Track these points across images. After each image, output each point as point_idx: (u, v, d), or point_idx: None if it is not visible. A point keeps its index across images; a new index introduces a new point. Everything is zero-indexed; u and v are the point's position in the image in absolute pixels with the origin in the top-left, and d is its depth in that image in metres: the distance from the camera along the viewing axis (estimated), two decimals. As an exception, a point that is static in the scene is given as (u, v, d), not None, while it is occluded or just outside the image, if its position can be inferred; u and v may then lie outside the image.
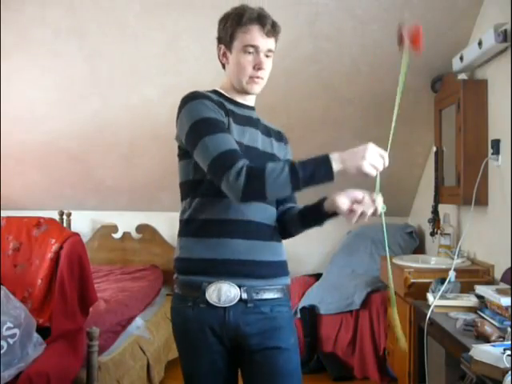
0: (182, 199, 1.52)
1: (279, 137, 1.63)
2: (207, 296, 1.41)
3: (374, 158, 1.30)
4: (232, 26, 1.48)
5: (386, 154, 1.33)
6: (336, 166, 1.29)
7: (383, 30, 2.89)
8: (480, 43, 2.54)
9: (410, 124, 3.46)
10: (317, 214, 1.50)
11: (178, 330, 1.52)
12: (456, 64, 2.84)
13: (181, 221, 1.51)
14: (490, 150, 2.61)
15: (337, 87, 3.21)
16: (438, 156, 3.10)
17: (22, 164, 3.99)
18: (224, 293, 1.41)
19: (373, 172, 1.31)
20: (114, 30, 3.00)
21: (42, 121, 3.61)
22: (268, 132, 1.59)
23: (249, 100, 1.57)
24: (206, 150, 1.35)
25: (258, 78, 1.47)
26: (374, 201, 1.37)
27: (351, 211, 1.37)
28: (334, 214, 1.44)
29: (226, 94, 1.53)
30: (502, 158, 2.54)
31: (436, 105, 3.12)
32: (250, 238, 1.45)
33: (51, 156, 3.88)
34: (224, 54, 1.53)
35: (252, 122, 1.54)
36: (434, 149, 3.14)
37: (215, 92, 1.53)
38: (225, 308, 1.42)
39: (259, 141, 1.53)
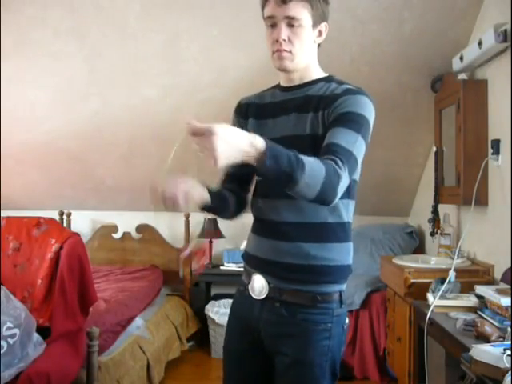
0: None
1: (324, 103, 1.34)
2: (249, 285, 1.44)
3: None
4: (260, 3, 1.37)
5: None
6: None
7: (383, 30, 2.89)
8: (480, 43, 2.54)
9: (410, 124, 3.46)
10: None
11: (231, 308, 1.57)
12: (456, 64, 2.84)
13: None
14: (490, 150, 2.61)
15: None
16: (438, 156, 3.10)
17: (22, 164, 3.99)
18: (257, 286, 1.41)
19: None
20: (114, 30, 3.00)
21: (41, 121, 3.61)
22: (306, 107, 1.37)
23: (296, 78, 1.40)
24: None
25: (279, 51, 1.33)
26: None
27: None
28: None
29: (281, 83, 1.45)
30: (502, 158, 2.54)
31: (436, 105, 3.12)
32: (272, 237, 1.41)
33: (51, 156, 3.88)
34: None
35: (286, 107, 1.40)
36: (434, 149, 3.14)
37: (271, 87, 1.50)
38: (256, 300, 1.42)
39: (284, 127, 1.38)
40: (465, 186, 2.71)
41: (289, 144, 1.20)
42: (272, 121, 1.42)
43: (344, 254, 1.42)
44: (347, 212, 1.41)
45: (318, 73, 1.44)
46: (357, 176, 1.39)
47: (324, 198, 1.19)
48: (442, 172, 3.09)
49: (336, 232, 1.38)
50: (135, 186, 4.09)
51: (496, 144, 2.56)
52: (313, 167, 1.14)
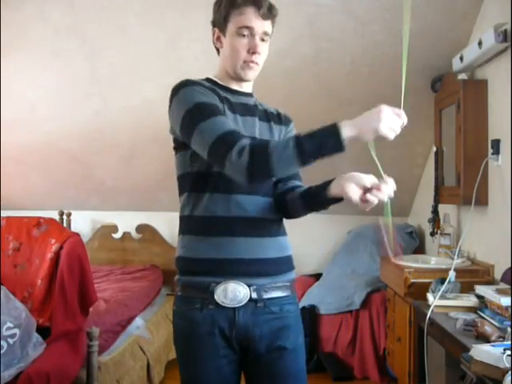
0: (180, 193, 1.45)
1: (279, 119, 1.54)
2: (216, 296, 1.35)
3: (390, 119, 1.24)
4: (226, 7, 1.38)
5: (402, 112, 1.27)
6: (348, 132, 1.19)
7: (384, 31, 2.89)
8: (480, 43, 2.54)
9: (410, 124, 3.42)
10: (321, 198, 1.39)
11: (181, 333, 1.44)
12: (456, 64, 2.84)
13: (181, 217, 1.44)
14: (490, 150, 2.61)
15: (337, 88, 3.21)
16: (438, 156, 3.10)
17: (22, 164, 3.99)
18: (233, 293, 1.35)
19: (391, 135, 1.25)
20: (114, 30, 3.00)
21: (42, 121, 3.61)
22: (267, 117, 1.50)
23: (245, 87, 1.48)
24: (202, 137, 1.27)
25: (252, 62, 1.39)
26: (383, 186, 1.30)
27: (364, 201, 1.30)
28: (340, 198, 1.35)
29: (220, 82, 1.47)
30: (502, 158, 2.54)
31: (436, 105, 3.12)
32: (253, 235, 1.39)
33: (51, 156, 3.88)
34: (218, 38, 1.44)
35: (249, 110, 1.46)
36: (434, 149, 3.14)
37: (208, 80, 1.48)
38: (234, 309, 1.36)
39: (256, 128, 1.45)
40: (465, 186, 2.71)
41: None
42: (241, 118, 1.44)
43: None
44: None
45: (251, 86, 1.54)
46: None
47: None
48: (442, 172, 3.09)
49: (284, 226, 1.52)
50: (135, 186, 4.10)
51: (496, 144, 2.56)
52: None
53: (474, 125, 2.72)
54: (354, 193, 1.29)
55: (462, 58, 2.77)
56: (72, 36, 3.03)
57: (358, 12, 2.80)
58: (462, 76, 2.92)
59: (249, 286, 1.37)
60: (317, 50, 2.93)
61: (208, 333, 1.37)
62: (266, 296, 1.40)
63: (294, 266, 1.51)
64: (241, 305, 1.36)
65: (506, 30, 2.38)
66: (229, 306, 1.36)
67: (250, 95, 1.51)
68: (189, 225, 1.42)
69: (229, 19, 1.38)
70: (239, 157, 1.21)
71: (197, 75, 3.50)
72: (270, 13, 1.38)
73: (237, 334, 1.38)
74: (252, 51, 1.38)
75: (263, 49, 1.41)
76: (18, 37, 3.03)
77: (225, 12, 1.38)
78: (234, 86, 1.48)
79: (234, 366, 1.43)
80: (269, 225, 1.44)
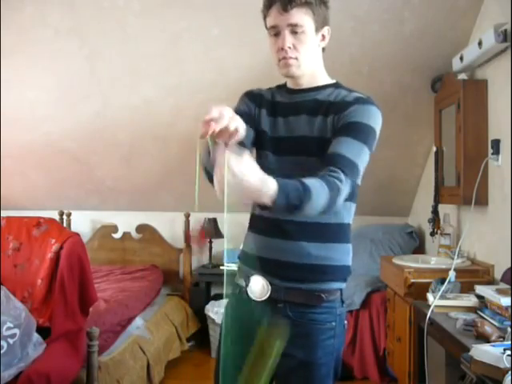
0: None
1: (330, 109, 1.37)
2: (248, 287, 1.42)
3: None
4: (262, 13, 1.40)
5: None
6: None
7: (383, 31, 2.89)
8: (480, 43, 2.54)
9: (410, 124, 3.46)
10: None
11: (225, 311, 1.53)
12: (456, 64, 2.84)
13: None
14: (490, 150, 2.61)
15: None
16: (438, 156, 3.10)
17: (22, 164, 3.99)
18: (258, 287, 1.40)
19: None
20: (114, 30, 3.00)
21: (42, 121, 3.61)
22: (316, 111, 1.39)
23: (305, 82, 1.42)
24: None
25: (285, 58, 1.35)
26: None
27: None
28: None
29: (288, 85, 1.47)
30: (502, 158, 2.54)
31: (436, 105, 3.12)
32: (275, 236, 1.39)
33: (51, 156, 3.88)
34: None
35: (297, 108, 1.41)
36: (434, 149, 3.14)
37: (279, 86, 1.51)
38: (256, 302, 1.40)
39: (296, 127, 1.40)
40: (465, 185, 2.71)
41: (297, 144, 1.34)
42: (282, 120, 1.44)
43: (343, 254, 1.44)
44: (348, 214, 1.43)
45: (325, 78, 1.46)
46: (359, 180, 1.38)
47: (325, 211, 1.23)
48: (442, 172, 3.09)
49: (336, 232, 1.40)
50: (135, 186, 4.10)
51: (496, 144, 2.56)
52: (318, 193, 1.17)
53: (474, 125, 2.72)
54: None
55: (462, 58, 2.77)
56: (72, 37, 3.03)
57: (358, 12, 2.80)
58: (462, 76, 2.92)
59: (271, 284, 1.39)
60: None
61: (235, 317, 1.44)
62: (288, 299, 1.38)
63: (330, 276, 1.40)
64: (262, 299, 1.40)
65: (506, 30, 2.38)
66: (253, 298, 1.41)
67: (311, 90, 1.42)
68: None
69: (266, 24, 1.40)
70: None
71: (196, 75, 3.51)
72: (291, 2, 1.31)
73: (251, 328, 1.37)
74: (281, 47, 1.35)
75: (297, 40, 1.34)
76: (18, 38, 3.03)
77: (263, 18, 1.40)
78: (293, 86, 1.46)
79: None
80: (292, 228, 1.37)
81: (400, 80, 3.19)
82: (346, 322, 1.48)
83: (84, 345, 2.33)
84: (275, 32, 1.35)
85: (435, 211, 3.14)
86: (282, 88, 1.49)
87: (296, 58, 1.36)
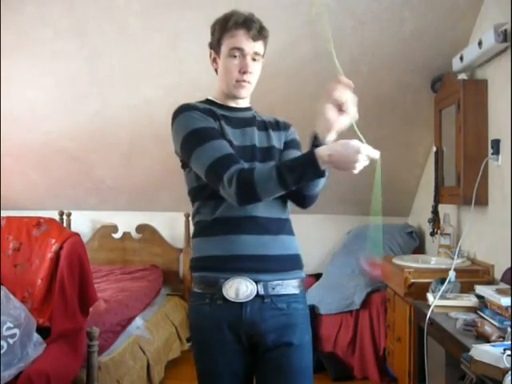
0: (192, 204, 1.57)
1: (277, 126, 1.62)
2: (224, 292, 1.42)
3: (364, 161, 1.30)
4: (219, 31, 1.50)
5: (375, 153, 1.32)
6: (325, 164, 1.29)
7: (383, 31, 2.89)
8: (480, 43, 2.54)
9: (410, 124, 3.46)
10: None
11: (195, 327, 1.53)
12: (456, 64, 2.84)
13: (194, 224, 1.56)
14: (490, 150, 2.61)
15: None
16: (438, 156, 3.10)
17: (22, 164, 3.99)
18: (241, 288, 1.42)
19: (358, 170, 1.32)
20: (114, 30, 3.00)
21: (42, 121, 3.61)
22: (265, 126, 1.59)
23: (242, 103, 1.58)
24: (199, 162, 1.41)
25: (244, 81, 1.48)
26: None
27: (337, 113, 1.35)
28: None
29: (218, 101, 1.56)
30: (502, 158, 2.54)
31: (436, 105, 3.12)
32: (256, 233, 1.45)
33: (51, 156, 3.88)
34: (214, 60, 1.56)
35: (247, 122, 1.55)
36: (434, 149, 3.14)
37: (207, 101, 1.58)
38: (241, 304, 1.42)
39: (255, 138, 1.53)
40: (465, 185, 2.71)
41: (269, 152, 1.52)
42: (239, 131, 1.52)
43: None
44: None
45: (248, 101, 1.62)
46: None
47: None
48: (442, 172, 3.09)
49: (292, 227, 1.57)
50: (135, 186, 4.10)
51: (496, 144, 2.56)
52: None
53: (474, 125, 2.72)
54: (328, 110, 1.36)
55: (462, 58, 2.77)
56: (72, 37, 3.03)
57: (357, 12, 2.80)
58: (462, 76, 2.92)
59: (256, 281, 1.43)
60: (316, 50, 2.93)
61: (217, 327, 1.45)
62: (273, 292, 1.45)
63: (301, 265, 1.55)
64: (248, 300, 1.42)
65: (506, 30, 2.38)
66: (236, 301, 1.42)
67: (247, 109, 1.59)
68: (197, 229, 1.53)
69: (222, 42, 1.49)
70: (229, 185, 1.34)
71: (196, 75, 3.52)
72: (259, 34, 1.47)
73: (244, 329, 1.45)
74: (243, 71, 1.46)
75: (255, 68, 1.49)
76: (18, 38, 3.03)
77: (218, 35, 1.50)
78: (231, 104, 1.56)
79: (245, 361, 1.48)
80: (272, 223, 1.48)
81: (400, 80, 3.19)
82: None
83: (84, 345, 2.33)
84: (238, 54, 1.46)
85: (435, 211, 3.14)
86: (215, 104, 1.56)
87: (250, 83, 1.50)
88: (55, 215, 4.10)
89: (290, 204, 1.58)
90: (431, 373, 2.25)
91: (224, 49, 1.49)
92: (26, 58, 3.18)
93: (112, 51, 3.12)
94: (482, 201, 2.67)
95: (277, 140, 1.58)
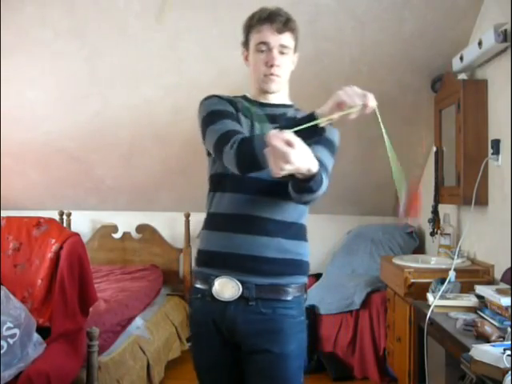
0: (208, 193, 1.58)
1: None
2: (213, 289, 1.44)
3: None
4: (246, 27, 1.53)
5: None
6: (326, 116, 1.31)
7: (383, 30, 2.89)
8: (480, 43, 2.54)
9: (410, 124, 3.46)
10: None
11: (190, 321, 1.59)
12: (456, 64, 2.84)
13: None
14: (490, 150, 2.61)
15: (337, 87, 3.20)
16: (438, 156, 3.10)
17: (22, 164, 3.99)
18: (227, 287, 1.42)
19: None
20: (114, 30, 3.00)
21: (42, 121, 3.61)
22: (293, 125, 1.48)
23: (273, 98, 1.55)
24: (210, 137, 1.43)
25: (271, 75, 1.48)
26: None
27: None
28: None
29: (250, 97, 1.57)
30: (502, 158, 2.54)
31: (436, 105, 3.12)
32: (251, 232, 1.43)
33: (51, 156, 3.88)
34: (246, 58, 1.57)
35: (271, 119, 1.51)
36: (434, 149, 3.14)
37: (242, 97, 1.59)
38: (226, 303, 1.43)
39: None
40: (465, 185, 2.71)
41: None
42: (259, 125, 1.51)
43: (307, 251, 1.54)
44: (306, 216, 1.55)
45: (287, 99, 1.60)
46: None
47: (315, 201, 1.38)
48: (442, 172, 3.09)
49: (302, 232, 1.53)
50: (135, 185, 4.10)
51: (496, 144, 2.56)
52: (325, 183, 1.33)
53: (474, 125, 2.72)
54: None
55: (461, 58, 2.77)
56: (72, 37, 3.03)
57: (357, 11, 2.80)
58: (462, 76, 2.92)
59: (242, 282, 1.42)
60: (316, 50, 2.92)
61: (204, 322, 1.48)
62: (259, 296, 1.42)
63: (300, 271, 1.49)
64: (231, 300, 1.43)
65: (506, 30, 2.38)
66: (221, 299, 1.44)
67: (280, 106, 1.56)
68: (206, 221, 1.55)
69: (249, 38, 1.52)
70: (230, 148, 1.34)
71: (196, 76, 3.51)
72: (285, 26, 1.46)
73: (226, 328, 1.45)
74: (270, 64, 1.46)
75: (282, 61, 1.48)
76: (18, 38, 3.03)
77: (246, 32, 1.54)
78: (262, 99, 1.55)
79: (233, 356, 1.47)
80: (270, 225, 1.45)
81: (400, 80, 3.19)
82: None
83: (84, 345, 2.33)
84: (264, 49, 1.47)
85: (435, 211, 3.14)
86: (247, 99, 1.57)
87: (279, 76, 1.49)
88: (55, 215, 4.10)
89: (305, 209, 1.51)
90: (431, 373, 2.25)
91: (252, 45, 1.51)
92: (26, 58, 3.18)
93: (112, 51, 3.12)
94: (482, 201, 2.67)
95: None
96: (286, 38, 1.48)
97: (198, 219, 4.51)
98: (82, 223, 4.38)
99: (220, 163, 1.46)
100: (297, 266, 1.49)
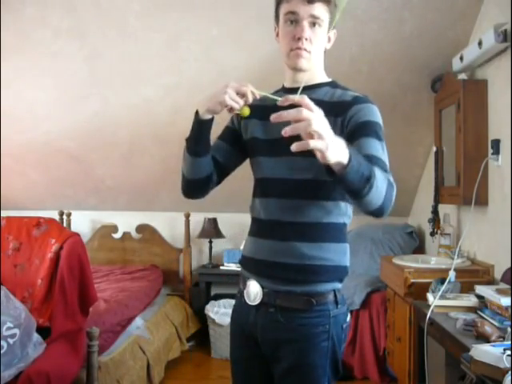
0: None
1: (331, 110, 1.27)
2: (244, 292, 1.43)
3: (231, 94, 1.29)
4: (277, 0, 1.38)
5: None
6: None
7: (383, 30, 2.89)
8: (480, 43, 2.54)
9: (410, 124, 3.46)
10: None
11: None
12: (456, 64, 2.84)
13: None
14: (490, 150, 2.61)
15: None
16: (438, 156, 3.10)
17: (22, 164, 3.99)
18: (252, 291, 1.40)
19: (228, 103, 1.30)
20: (114, 30, 3.00)
21: (42, 121, 3.61)
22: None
23: (306, 79, 1.33)
24: None
25: (299, 49, 1.32)
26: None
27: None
28: None
29: (285, 85, 1.45)
30: (502, 158, 2.54)
31: (436, 105, 3.12)
32: (267, 237, 1.40)
33: (51, 156, 3.88)
34: (277, 34, 1.41)
35: (290, 108, 1.32)
36: (434, 149, 3.14)
37: (281, 89, 1.47)
38: (252, 306, 1.41)
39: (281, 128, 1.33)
40: (465, 185, 2.71)
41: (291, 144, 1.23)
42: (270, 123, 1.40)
43: (339, 254, 1.39)
44: (340, 213, 1.38)
45: (322, 77, 1.44)
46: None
47: (383, 211, 1.17)
48: (442, 172, 3.09)
49: (330, 232, 1.36)
50: (135, 185, 4.10)
51: (496, 144, 2.56)
52: (380, 176, 1.12)
53: (474, 125, 2.72)
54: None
55: (461, 58, 2.77)
56: (72, 38, 3.03)
57: (357, 11, 2.80)
58: (462, 76, 2.92)
59: (263, 288, 1.39)
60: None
61: (237, 320, 1.49)
62: (278, 303, 1.36)
63: (322, 277, 1.36)
64: (255, 304, 1.40)
65: (506, 30, 2.38)
66: (248, 302, 1.42)
67: (307, 88, 1.31)
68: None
69: (280, 10, 1.37)
70: None
71: (196, 76, 3.51)
72: None
73: (249, 332, 1.43)
74: (298, 37, 1.31)
75: (314, 34, 1.32)
76: (18, 39, 3.03)
77: (276, 5, 1.38)
78: (289, 83, 1.42)
79: (257, 359, 1.43)
80: (284, 228, 1.36)
81: (400, 80, 3.19)
82: (348, 321, 1.44)
83: (84, 345, 2.33)
84: (293, 19, 1.31)
85: (435, 211, 3.14)
86: (279, 91, 1.46)
87: (309, 51, 1.33)
88: (55, 215, 4.10)
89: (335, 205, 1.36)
90: (431, 373, 2.25)
91: (281, 16, 1.35)
92: (26, 59, 3.18)
93: (112, 51, 3.12)
94: (482, 201, 2.67)
95: None
96: (319, 9, 1.31)
97: (198, 219, 4.54)
98: (82, 223, 4.38)
99: (253, 168, 1.49)
100: (318, 273, 1.35)
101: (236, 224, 3.93)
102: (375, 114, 1.32)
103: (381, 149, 1.26)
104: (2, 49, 3.01)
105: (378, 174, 1.11)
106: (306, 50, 1.32)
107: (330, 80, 1.44)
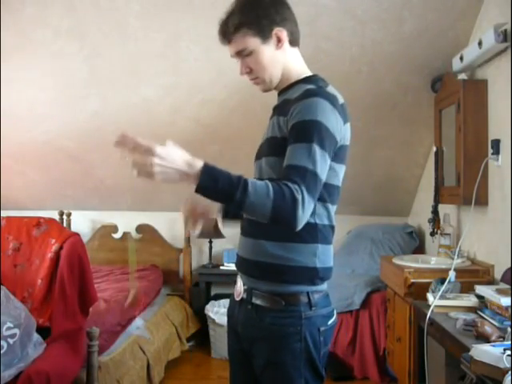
0: None
1: (283, 107, 1.37)
2: (235, 288, 1.49)
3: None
4: None
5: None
6: None
7: (383, 30, 2.89)
8: (480, 43, 2.54)
9: (410, 124, 3.46)
10: None
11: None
12: (456, 64, 2.84)
13: None
14: (490, 150, 2.61)
15: (336, 87, 3.20)
16: (438, 156, 3.10)
17: (22, 164, 3.99)
18: (237, 287, 1.47)
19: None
20: (114, 30, 3.00)
21: (42, 120, 3.61)
22: (280, 109, 1.39)
23: (280, 86, 1.46)
24: None
25: (252, 80, 1.45)
26: None
27: None
28: None
29: None
30: (502, 158, 2.54)
31: (436, 105, 3.12)
32: (247, 235, 1.45)
33: (51, 156, 3.88)
34: None
35: (274, 111, 1.47)
36: (434, 149, 3.14)
37: None
38: (236, 302, 1.46)
39: (267, 129, 1.46)
40: (465, 185, 2.71)
41: (261, 147, 1.45)
42: (269, 121, 1.49)
43: (305, 254, 1.34)
44: (316, 214, 1.34)
45: (297, 74, 1.45)
46: (335, 180, 1.37)
47: (282, 221, 1.19)
48: (442, 172, 3.09)
49: (299, 232, 1.25)
50: (135, 186, 4.10)
51: (496, 144, 2.56)
52: (257, 189, 1.15)
53: (474, 125, 2.72)
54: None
55: (461, 58, 2.77)
56: (72, 38, 3.03)
57: (357, 11, 2.80)
58: (462, 76, 2.92)
59: (243, 284, 1.44)
60: (316, 50, 2.92)
61: (227, 316, 1.56)
62: (254, 301, 1.39)
63: (289, 278, 1.34)
64: (238, 300, 1.45)
65: (506, 30, 2.38)
66: (235, 298, 1.48)
67: (284, 90, 1.44)
68: None
69: None
70: None
71: (196, 76, 3.52)
72: (225, 37, 1.43)
73: (235, 325, 1.48)
74: (242, 74, 1.44)
75: (250, 63, 1.40)
76: (18, 39, 3.03)
77: None
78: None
79: (244, 353, 1.46)
80: (257, 226, 1.32)
81: (400, 80, 3.19)
82: (330, 323, 1.40)
83: (84, 345, 2.33)
84: (236, 59, 1.43)
85: (435, 211, 3.14)
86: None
87: (257, 78, 1.42)
88: (55, 215, 4.10)
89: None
90: (431, 373, 2.25)
91: None
92: (26, 59, 3.18)
93: (112, 51, 3.12)
94: (482, 201, 2.67)
95: (273, 128, 1.38)
96: (236, 44, 1.40)
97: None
98: (82, 223, 4.38)
99: None
100: (284, 273, 1.33)
101: (236, 224, 3.93)
102: (311, 110, 1.27)
103: (306, 153, 1.23)
104: (2, 49, 3.01)
105: (253, 187, 1.15)
106: (254, 79, 1.43)
107: (307, 75, 1.46)
